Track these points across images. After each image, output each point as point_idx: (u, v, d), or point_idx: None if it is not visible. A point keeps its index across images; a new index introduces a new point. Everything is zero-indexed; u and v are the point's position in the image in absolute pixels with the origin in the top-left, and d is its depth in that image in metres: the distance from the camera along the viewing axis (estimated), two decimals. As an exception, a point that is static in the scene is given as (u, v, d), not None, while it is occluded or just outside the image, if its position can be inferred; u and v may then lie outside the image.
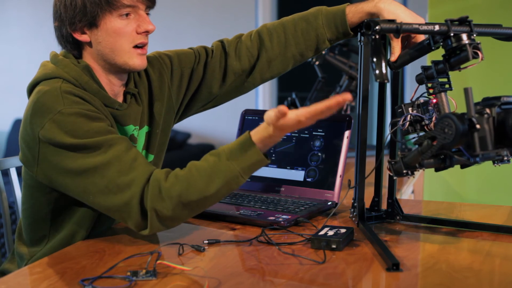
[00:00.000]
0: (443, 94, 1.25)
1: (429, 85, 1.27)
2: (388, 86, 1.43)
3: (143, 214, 1.24)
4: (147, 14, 1.39)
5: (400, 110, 1.30)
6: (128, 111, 1.43)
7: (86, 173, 1.25)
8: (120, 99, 1.44)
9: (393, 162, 1.24)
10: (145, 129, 1.50)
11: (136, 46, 1.37)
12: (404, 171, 1.22)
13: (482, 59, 1.20)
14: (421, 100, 1.29)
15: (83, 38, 1.36)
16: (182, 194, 1.22)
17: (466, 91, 1.08)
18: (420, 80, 1.29)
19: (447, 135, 1.08)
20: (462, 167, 1.16)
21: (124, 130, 1.43)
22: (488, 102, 1.10)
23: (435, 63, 1.26)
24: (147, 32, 1.37)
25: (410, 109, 1.29)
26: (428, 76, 1.27)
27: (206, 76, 1.58)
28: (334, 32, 1.52)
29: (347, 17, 1.49)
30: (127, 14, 1.34)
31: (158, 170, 1.27)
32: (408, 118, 1.29)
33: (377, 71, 1.23)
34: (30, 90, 1.37)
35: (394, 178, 1.32)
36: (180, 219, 1.27)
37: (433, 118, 1.26)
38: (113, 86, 1.41)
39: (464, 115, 1.08)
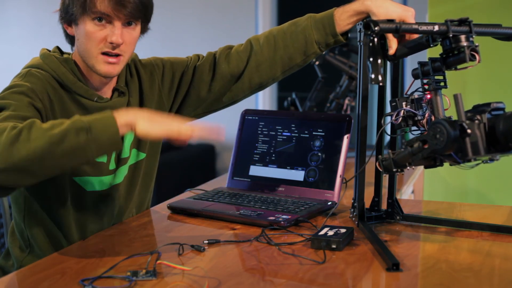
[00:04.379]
0: (437, 91, 1.26)
1: (425, 81, 1.28)
2: (388, 85, 1.43)
3: None
4: (130, 24, 1.40)
5: (394, 104, 1.31)
6: (109, 104, 1.46)
7: None
8: (107, 94, 1.49)
9: (383, 159, 1.27)
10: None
11: (105, 54, 1.39)
12: (394, 169, 1.25)
13: (479, 62, 1.21)
14: (416, 95, 1.30)
15: (70, 31, 1.44)
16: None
17: (456, 97, 1.10)
18: (416, 75, 1.30)
19: (439, 141, 1.10)
20: (451, 164, 1.17)
21: None
22: (479, 109, 1.12)
23: (432, 60, 1.26)
24: (113, 44, 1.38)
25: (404, 103, 1.30)
26: (424, 73, 1.28)
27: (194, 78, 1.61)
28: (322, 34, 1.52)
29: (335, 17, 1.51)
30: (99, 19, 1.37)
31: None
32: (401, 114, 1.30)
33: (372, 75, 1.24)
34: None
35: (384, 174, 1.38)
36: None
37: (426, 115, 1.27)
38: (97, 82, 1.46)
39: (456, 121, 1.09)
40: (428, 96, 1.26)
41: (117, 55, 1.40)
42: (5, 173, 1.14)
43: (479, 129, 1.09)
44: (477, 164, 1.12)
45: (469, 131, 1.07)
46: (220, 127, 1.20)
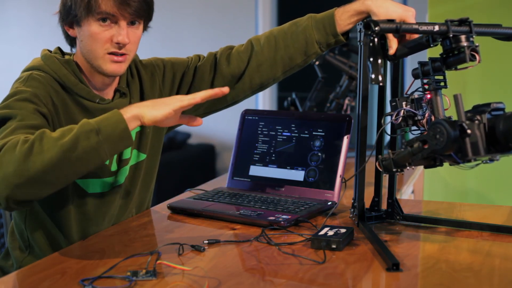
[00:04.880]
0: (438, 91, 1.26)
1: (425, 81, 1.28)
2: (388, 85, 1.43)
3: None
4: (133, 24, 1.41)
5: (394, 103, 1.31)
6: (111, 105, 1.46)
7: None
8: (109, 96, 1.49)
9: (383, 159, 1.27)
10: (136, 128, 1.51)
11: (111, 53, 1.40)
12: (394, 169, 1.25)
13: (479, 62, 1.21)
14: (416, 95, 1.30)
15: (71, 32, 1.43)
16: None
17: (456, 97, 1.10)
18: (416, 75, 1.30)
19: (439, 142, 1.10)
20: (451, 164, 1.17)
21: None
22: (479, 109, 1.12)
23: (432, 60, 1.26)
24: (119, 44, 1.39)
25: (404, 103, 1.30)
26: (424, 72, 1.28)
27: (195, 79, 1.61)
28: (322, 34, 1.52)
29: (335, 17, 1.51)
30: (104, 20, 1.37)
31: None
32: (401, 113, 1.30)
33: (372, 75, 1.24)
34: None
35: (384, 174, 1.39)
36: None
37: (426, 115, 1.27)
38: (99, 83, 1.46)
39: (456, 121, 1.09)
40: (428, 96, 1.26)
41: (122, 54, 1.40)
42: (24, 187, 1.15)
43: (479, 129, 1.09)
44: (477, 164, 1.12)
45: (469, 131, 1.08)
46: (221, 89, 1.26)
